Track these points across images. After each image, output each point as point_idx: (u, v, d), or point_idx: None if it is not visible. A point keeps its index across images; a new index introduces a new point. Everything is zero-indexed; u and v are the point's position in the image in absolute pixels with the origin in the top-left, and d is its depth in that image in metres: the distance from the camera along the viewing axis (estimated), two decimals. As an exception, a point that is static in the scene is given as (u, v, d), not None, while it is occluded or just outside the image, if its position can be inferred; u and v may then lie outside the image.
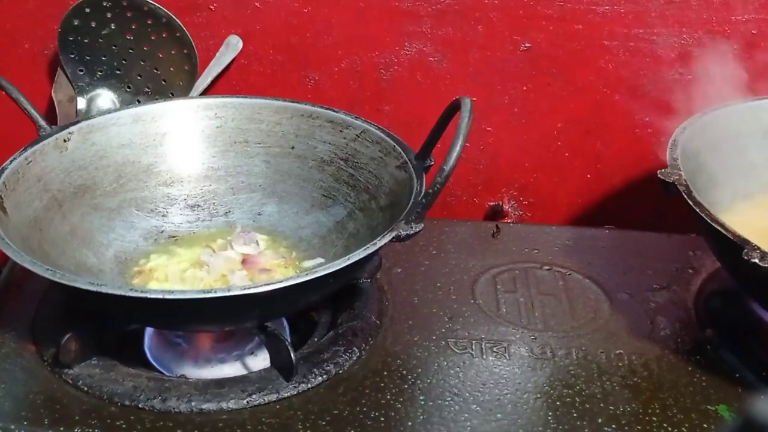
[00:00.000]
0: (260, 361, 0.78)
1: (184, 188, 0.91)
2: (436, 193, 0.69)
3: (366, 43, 1.00)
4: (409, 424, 0.70)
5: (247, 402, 0.71)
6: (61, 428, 0.68)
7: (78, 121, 0.87)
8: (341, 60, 1.01)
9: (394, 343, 0.79)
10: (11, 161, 0.79)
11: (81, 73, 1.01)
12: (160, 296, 0.65)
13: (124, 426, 0.69)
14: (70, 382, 0.73)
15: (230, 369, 0.78)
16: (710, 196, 0.81)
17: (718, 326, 0.80)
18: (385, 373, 0.75)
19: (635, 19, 0.96)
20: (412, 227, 0.71)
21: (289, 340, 0.74)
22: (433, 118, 0.80)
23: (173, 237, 0.89)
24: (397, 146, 0.83)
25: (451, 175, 0.68)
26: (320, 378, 0.73)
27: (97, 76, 1.01)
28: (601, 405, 0.72)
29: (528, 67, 1.00)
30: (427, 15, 0.98)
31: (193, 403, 0.70)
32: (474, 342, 0.79)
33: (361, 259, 0.69)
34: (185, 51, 0.99)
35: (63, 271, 0.68)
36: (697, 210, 0.74)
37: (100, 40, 0.99)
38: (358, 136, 0.87)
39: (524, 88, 1.01)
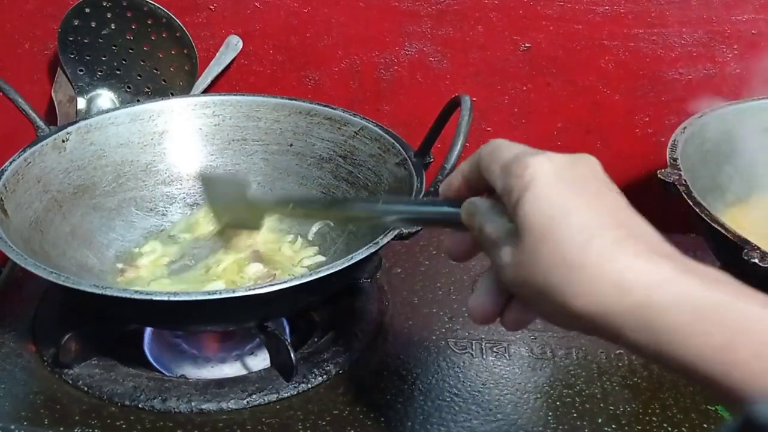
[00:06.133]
0: (260, 361, 0.78)
1: (183, 187, 0.91)
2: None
3: (366, 43, 1.00)
4: (409, 424, 0.70)
5: (247, 402, 0.71)
6: (61, 428, 0.68)
7: (76, 121, 0.87)
8: (341, 60, 1.01)
9: (394, 343, 0.79)
10: (11, 162, 0.79)
11: (81, 73, 1.01)
12: (165, 298, 0.65)
13: (124, 426, 0.69)
14: (70, 382, 0.73)
15: (230, 369, 0.78)
16: (710, 196, 0.81)
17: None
18: (385, 373, 0.75)
19: (635, 19, 0.96)
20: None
21: (289, 340, 0.74)
22: (433, 118, 0.80)
23: (173, 236, 0.89)
24: (396, 143, 0.83)
25: (452, 174, 0.68)
26: (320, 378, 0.73)
27: (97, 76, 1.01)
28: (601, 405, 0.72)
29: (528, 67, 1.00)
30: (427, 15, 0.98)
31: (193, 403, 0.70)
32: (474, 342, 0.79)
33: (363, 258, 0.69)
34: (185, 51, 0.99)
35: (66, 274, 0.67)
36: (697, 210, 0.74)
37: (100, 40, 0.99)
38: (357, 134, 0.87)
39: (524, 88, 1.01)
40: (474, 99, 0.76)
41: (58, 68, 1.02)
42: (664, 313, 0.41)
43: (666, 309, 0.41)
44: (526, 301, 0.47)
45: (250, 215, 0.69)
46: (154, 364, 0.77)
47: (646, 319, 0.41)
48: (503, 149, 0.47)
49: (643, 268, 0.42)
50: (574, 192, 0.44)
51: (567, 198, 0.44)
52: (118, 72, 1.01)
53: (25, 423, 0.69)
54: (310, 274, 0.67)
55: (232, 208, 0.71)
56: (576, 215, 0.43)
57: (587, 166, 0.46)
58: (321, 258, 0.84)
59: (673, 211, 0.79)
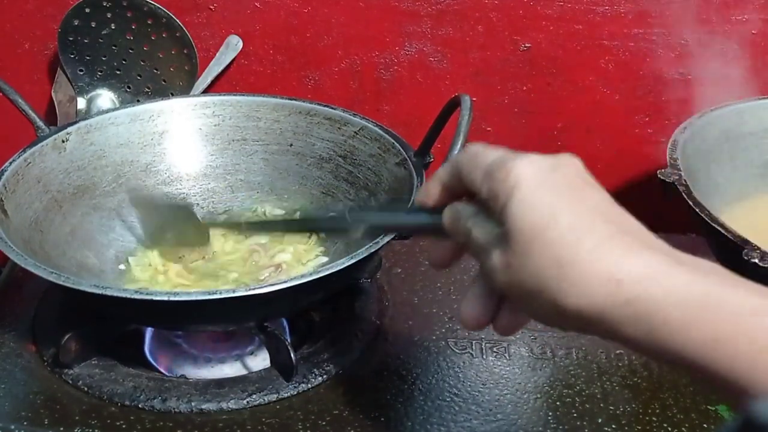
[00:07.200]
0: (260, 361, 0.78)
1: (182, 187, 0.91)
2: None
3: (366, 43, 1.00)
4: (409, 424, 0.70)
5: (247, 402, 0.71)
6: (61, 428, 0.68)
7: (76, 121, 0.87)
8: (341, 60, 1.01)
9: (394, 343, 0.79)
10: (10, 163, 0.79)
11: (81, 73, 1.01)
12: (165, 298, 0.65)
13: (124, 426, 0.69)
14: (70, 382, 0.73)
15: (230, 369, 0.78)
16: (710, 196, 0.81)
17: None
18: (385, 373, 0.75)
19: (635, 19, 0.96)
20: (414, 225, 0.71)
21: (289, 340, 0.74)
22: (433, 118, 0.80)
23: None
24: (396, 143, 0.83)
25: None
26: (320, 378, 0.73)
27: (97, 76, 1.01)
28: (601, 405, 0.72)
29: (528, 67, 1.00)
30: (427, 15, 0.98)
31: (193, 403, 0.70)
32: (474, 342, 0.79)
33: (363, 258, 0.69)
34: (185, 51, 0.99)
35: (66, 274, 0.67)
36: (697, 210, 0.74)
37: (100, 40, 0.99)
38: (357, 133, 0.87)
39: (524, 88, 1.01)
40: (474, 99, 0.76)
41: (58, 68, 1.02)
42: (660, 306, 0.41)
43: (661, 302, 0.41)
44: (519, 303, 0.47)
45: (196, 234, 0.68)
46: (154, 364, 0.77)
47: (642, 314, 0.41)
48: (483, 155, 0.48)
49: (635, 262, 0.42)
50: (560, 193, 0.44)
51: (553, 199, 0.44)
52: (118, 72, 1.01)
53: (25, 423, 0.69)
54: (310, 274, 0.67)
55: (175, 228, 0.70)
56: (564, 215, 0.43)
57: (570, 165, 0.47)
58: (323, 258, 0.84)
59: (673, 211, 0.79)
